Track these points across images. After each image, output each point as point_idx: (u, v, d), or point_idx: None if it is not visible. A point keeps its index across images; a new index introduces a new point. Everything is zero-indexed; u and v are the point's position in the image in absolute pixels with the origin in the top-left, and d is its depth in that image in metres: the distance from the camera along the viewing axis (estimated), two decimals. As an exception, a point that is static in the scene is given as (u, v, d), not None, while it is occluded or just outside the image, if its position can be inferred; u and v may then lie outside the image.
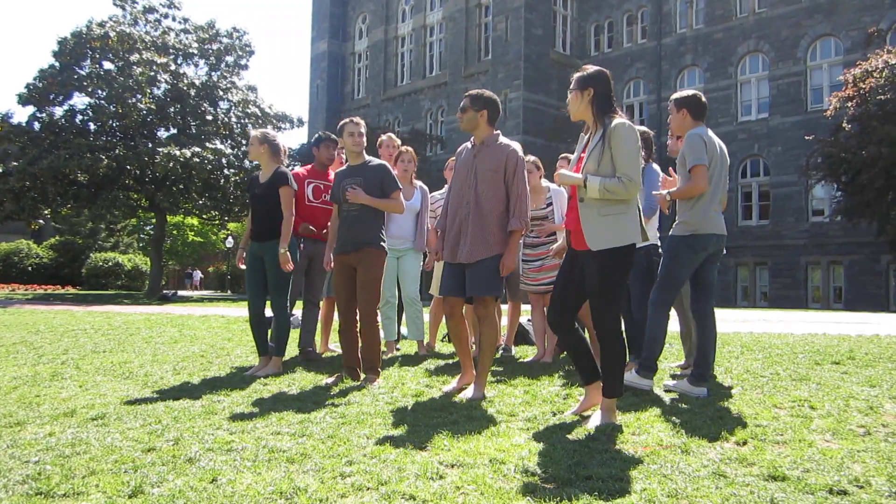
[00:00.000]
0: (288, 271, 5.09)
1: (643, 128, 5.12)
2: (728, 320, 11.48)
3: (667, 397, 4.11)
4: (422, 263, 6.24)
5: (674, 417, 3.52)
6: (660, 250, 4.98)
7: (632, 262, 3.49)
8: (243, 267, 5.34)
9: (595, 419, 3.37)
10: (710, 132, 4.31)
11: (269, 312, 5.44)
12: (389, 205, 4.79)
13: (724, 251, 4.51)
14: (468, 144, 4.33)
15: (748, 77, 29.71)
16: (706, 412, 3.63)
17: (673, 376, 4.88)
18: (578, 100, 3.49)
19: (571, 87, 3.53)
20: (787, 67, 28.23)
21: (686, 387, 4.19)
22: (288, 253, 5.03)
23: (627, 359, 5.16)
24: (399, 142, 6.55)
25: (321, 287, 6.00)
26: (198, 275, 51.34)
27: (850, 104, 21.32)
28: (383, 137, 6.49)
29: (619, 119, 3.42)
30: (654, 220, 5.05)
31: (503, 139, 4.24)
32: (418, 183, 6.20)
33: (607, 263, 3.36)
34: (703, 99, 4.41)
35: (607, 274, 3.37)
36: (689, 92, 4.42)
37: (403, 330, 6.78)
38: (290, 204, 5.11)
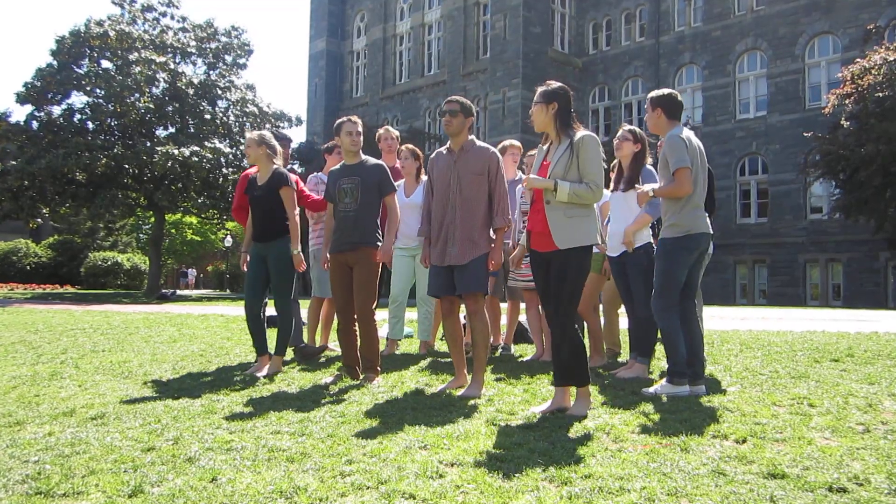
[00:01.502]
0: (301, 270, 5.17)
1: (641, 130, 5.12)
2: (727, 318, 11.50)
3: (665, 396, 4.11)
4: None
5: (673, 415, 3.52)
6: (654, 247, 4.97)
7: (589, 263, 3.73)
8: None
9: (576, 409, 3.57)
10: (688, 131, 4.30)
11: (269, 311, 5.43)
12: (396, 220, 4.87)
13: (711, 251, 4.52)
14: (443, 151, 4.45)
15: (746, 75, 29.69)
16: (705, 410, 3.64)
17: (662, 375, 4.87)
18: (543, 112, 3.74)
19: (536, 99, 3.76)
20: (786, 65, 28.21)
21: (673, 388, 4.17)
22: (301, 254, 5.06)
23: (627, 356, 5.17)
24: (396, 133, 6.55)
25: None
26: (192, 273, 51.35)
27: (848, 101, 21.32)
28: (380, 131, 6.51)
29: (585, 131, 3.71)
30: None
31: (478, 143, 4.41)
32: (426, 178, 6.19)
33: (570, 263, 3.60)
34: (679, 98, 4.43)
35: (570, 273, 3.60)
36: (665, 91, 4.44)
37: (408, 329, 6.78)
38: (294, 204, 5.12)
